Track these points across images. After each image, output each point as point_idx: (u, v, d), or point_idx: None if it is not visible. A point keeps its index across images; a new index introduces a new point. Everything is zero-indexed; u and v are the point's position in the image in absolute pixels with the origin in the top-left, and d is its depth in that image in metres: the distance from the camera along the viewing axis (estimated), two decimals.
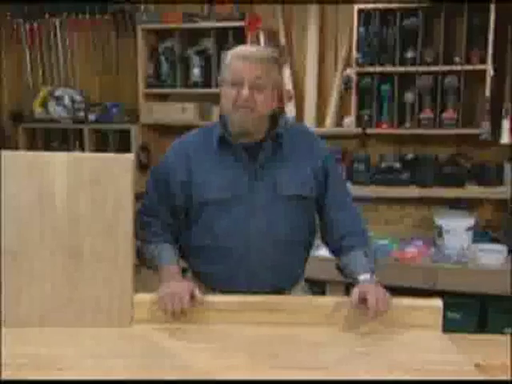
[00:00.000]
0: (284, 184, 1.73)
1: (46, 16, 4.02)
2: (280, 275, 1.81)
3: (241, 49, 1.73)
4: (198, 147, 1.78)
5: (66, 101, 3.85)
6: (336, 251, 1.84)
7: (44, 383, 1.33)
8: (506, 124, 3.10)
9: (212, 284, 1.79)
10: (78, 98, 3.87)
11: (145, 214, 1.82)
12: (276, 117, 1.78)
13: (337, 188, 1.82)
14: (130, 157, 1.68)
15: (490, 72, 3.07)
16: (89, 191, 1.64)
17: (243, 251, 1.74)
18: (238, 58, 1.68)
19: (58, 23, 4.02)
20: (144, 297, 1.68)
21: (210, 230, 1.74)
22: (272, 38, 3.56)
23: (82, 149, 3.85)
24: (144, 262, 1.82)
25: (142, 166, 3.82)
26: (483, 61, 3.10)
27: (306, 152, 1.78)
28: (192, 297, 1.61)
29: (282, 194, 1.73)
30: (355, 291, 1.63)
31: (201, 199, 1.74)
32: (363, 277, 1.69)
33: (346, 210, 1.83)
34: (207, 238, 1.75)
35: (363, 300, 1.61)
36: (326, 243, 1.88)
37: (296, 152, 1.77)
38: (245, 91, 1.65)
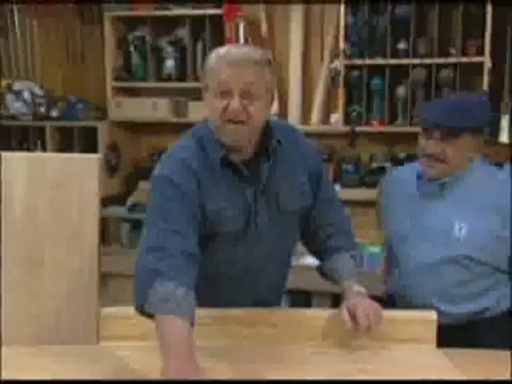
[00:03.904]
0: (287, 200, 1.72)
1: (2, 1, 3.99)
2: (278, 292, 1.89)
3: (226, 50, 1.59)
4: (200, 166, 1.63)
5: (26, 95, 3.82)
6: (320, 252, 1.85)
7: (44, 383, 1.35)
8: (505, 121, 3.14)
9: None
10: (38, 92, 3.84)
11: (161, 242, 1.53)
12: (268, 125, 1.69)
13: (325, 188, 1.83)
14: (96, 157, 1.68)
15: (488, 64, 3.10)
16: (51, 195, 1.63)
17: (246, 278, 1.75)
18: (223, 62, 1.55)
19: (15, 9, 3.99)
20: (112, 311, 1.67)
21: (211, 259, 1.69)
22: (253, 27, 3.56)
23: (44, 148, 3.82)
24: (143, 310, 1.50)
25: (110, 168, 3.81)
26: (480, 52, 3.14)
27: (299, 156, 1.75)
28: None
29: (286, 210, 1.73)
30: (344, 312, 1.63)
31: (214, 230, 1.66)
32: (351, 287, 1.71)
33: (334, 209, 1.85)
34: (209, 267, 1.68)
35: (353, 315, 1.62)
36: (309, 245, 1.89)
37: (290, 159, 1.73)
38: (235, 103, 1.54)
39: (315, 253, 1.88)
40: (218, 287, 1.74)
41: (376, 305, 1.66)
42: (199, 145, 1.66)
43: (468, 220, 1.83)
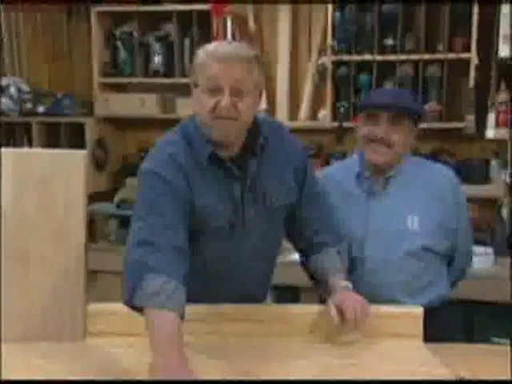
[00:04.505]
0: (273, 196, 1.73)
1: None
2: (264, 287, 1.90)
3: (215, 47, 1.60)
4: (188, 161, 1.63)
5: (12, 91, 3.79)
6: (306, 249, 1.86)
7: (44, 383, 1.35)
8: (491, 117, 3.15)
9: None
10: (25, 87, 3.82)
11: (151, 236, 1.52)
12: (256, 122, 1.70)
13: (311, 184, 1.84)
14: (82, 153, 1.67)
15: (475, 61, 3.12)
16: (37, 191, 1.63)
17: (234, 273, 1.75)
18: (213, 59, 1.56)
19: (1, 5, 3.96)
20: (98, 307, 1.67)
21: (200, 255, 1.69)
22: (240, 23, 3.56)
23: (30, 144, 3.79)
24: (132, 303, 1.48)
25: (98, 164, 3.79)
26: (467, 49, 3.15)
27: (285, 154, 1.76)
28: None
29: (272, 207, 1.74)
30: (332, 308, 1.64)
31: (202, 226, 1.66)
32: (338, 282, 1.72)
33: (320, 205, 1.85)
34: (197, 262, 1.68)
35: (340, 311, 1.63)
36: (295, 242, 1.89)
37: (276, 156, 1.74)
38: (225, 100, 1.55)
39: (301, 250, 1.88)
40: (206, 282, 1.74)
41: (363, 300, 1.67)
42: (186, 140, 1.66)
43: (417, 212, 1.89)
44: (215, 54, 1.57)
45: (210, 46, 1.61)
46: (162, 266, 1.48)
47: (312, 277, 1.87)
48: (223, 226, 1.68)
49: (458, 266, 2.03)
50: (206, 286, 1.74)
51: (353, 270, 1.90)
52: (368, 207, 1.93)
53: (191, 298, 1.54)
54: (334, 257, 1.80)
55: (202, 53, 1.60)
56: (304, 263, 1.88)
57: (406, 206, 1.90)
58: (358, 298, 1.66)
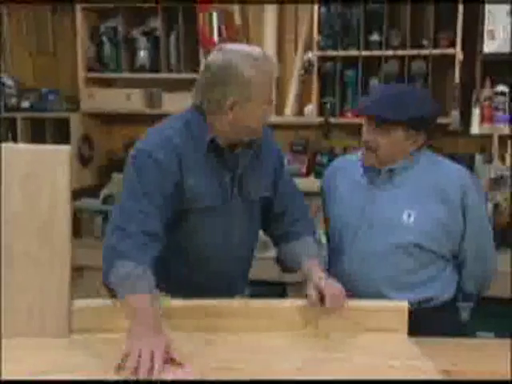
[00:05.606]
0: (256, 188, 1.81)
1: None
2: (245, 278, 1.96)
3: (264, 61, 1.69)
4: (184, 144, 1.70)
5: None
6: (282, 237, 1.90)
7: (45, 383, 1.37)
8: (476, 113, 3.17)
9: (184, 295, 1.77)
10: (9, 82, 3.79)
11: (124, 223, 1.62)
12: None
13: (286, 177, 1.92)
14: (66, 149, 1.67)
15: (460, 57, 3.14)
16: (21, 187, 1.62)
17: (222, 261, 1.80)
18: (265, 74, 1.69)
19: None
20: (84, 304, 1.67)
21: (190, 239, 1.77)
22: (227, 19, 3.55)
23: (15, 140, 3.77)
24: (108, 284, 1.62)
25: (83, 160, 3.77)
26: (452, 45, 3.17)
27: (268, 152, 1.85)
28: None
29: (254, 199, 1.82)
30: (311, 292, 1.68)
31: (192, 205, 1.72)
32: (315, 270, 1.74)
33: (296, 198, 1.93)
34: (187, 248, 1.77)
35: (320, 297, 1.68)
36: (272, 233, 1.94)
37: (262, 154, 1.83)
38: (271, 107, 1.78)
39: (277, 239, 1.93)
40: (193, 269, 1.79)
41: (339, 285, 1.71)
42: (187, 126, 1.73)
43: (416, 207, 1.85)
44: (265, 68, 1.68)
45: (257, 61, 1.67)
46: (132, 252, 1.57)
47: (286, 268, 1.93)
48: (210, 207, 1.73)
49: (470, 273, 1.96)
50: (193, 272, 1.79)
51: (342, 256, 1.92)
52: (369, 196, 1.91)
53: (179, 283, 1.68)
54: (312, 244, 1.85)
55: (250, 68, 1.65)
56: (278, 255, 1.93)
57: (407, 201, 1.87)
58: (338, 286, 1.70)
